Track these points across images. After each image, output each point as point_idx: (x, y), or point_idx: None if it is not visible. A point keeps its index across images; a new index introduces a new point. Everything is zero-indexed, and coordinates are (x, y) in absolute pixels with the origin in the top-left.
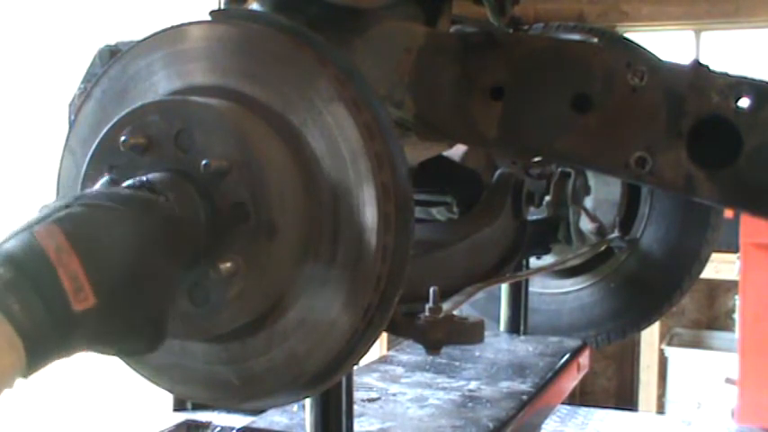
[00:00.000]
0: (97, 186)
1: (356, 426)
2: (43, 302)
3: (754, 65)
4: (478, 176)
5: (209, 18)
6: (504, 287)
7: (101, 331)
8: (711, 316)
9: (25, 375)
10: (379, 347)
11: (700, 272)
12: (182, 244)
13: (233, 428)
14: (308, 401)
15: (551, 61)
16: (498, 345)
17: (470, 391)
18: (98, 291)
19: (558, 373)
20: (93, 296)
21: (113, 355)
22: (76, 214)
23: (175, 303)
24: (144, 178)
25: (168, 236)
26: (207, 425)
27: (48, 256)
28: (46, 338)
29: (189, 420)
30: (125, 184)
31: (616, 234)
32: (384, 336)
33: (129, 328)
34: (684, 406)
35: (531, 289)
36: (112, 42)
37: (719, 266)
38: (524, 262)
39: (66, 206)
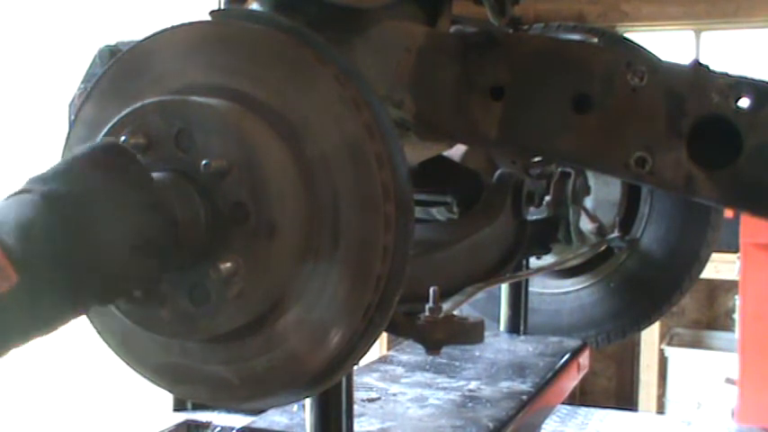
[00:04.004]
0: None
1: (356, 426)
2: None
3: (754, 65)
4: (478, 176)
5: (209, 18)
6: (504, 287)
7: (39, 300)
8: (711, 316)
9: None
10: (379, 347)
11: (700, 272)
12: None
13: (233, 428)
14: (308, 401)
15: (551, 61)
16: (498, 345)
17: (470, 391)
18: (21, 267)
19: (558, 373)
20: (15, 274)
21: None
22: (17, 193)
23: (176, 302)
24: None
25: (107, 192)
26: (207, 425)
27: None
28: None
29: (189, 420)
30: None
31: (616, 234)
32: (384, 336)
33: (69, 289)
34: (684, 406)
35: (531, 289)
36: (112, 42)
37: (719, 266)
38: (524, 262)
39: (20, 192)
